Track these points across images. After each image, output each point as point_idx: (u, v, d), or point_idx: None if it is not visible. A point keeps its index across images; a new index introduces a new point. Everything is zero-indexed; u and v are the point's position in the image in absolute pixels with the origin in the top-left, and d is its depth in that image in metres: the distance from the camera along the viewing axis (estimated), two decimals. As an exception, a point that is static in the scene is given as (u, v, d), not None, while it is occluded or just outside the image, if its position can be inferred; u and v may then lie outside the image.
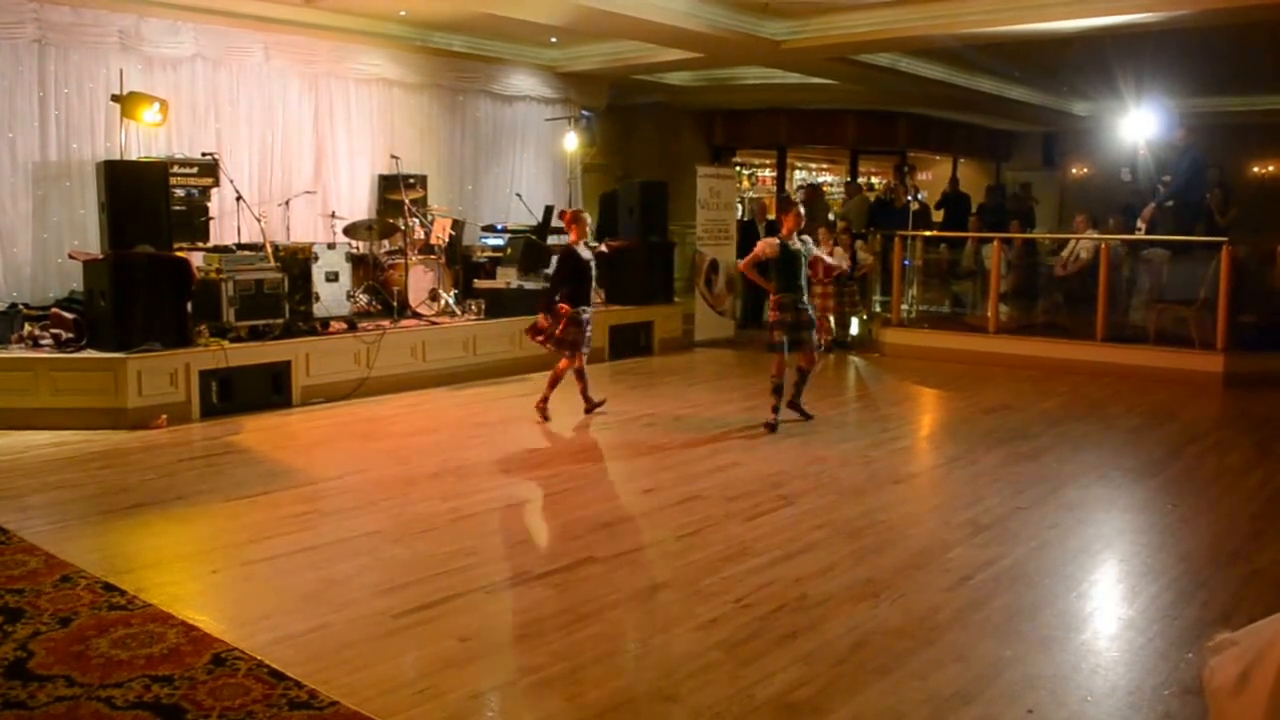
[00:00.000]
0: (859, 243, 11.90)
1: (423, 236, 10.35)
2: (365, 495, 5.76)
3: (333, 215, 10.47)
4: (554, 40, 12.41)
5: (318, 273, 8.73)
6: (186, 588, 4.35)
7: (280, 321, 8.34)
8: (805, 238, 7.56)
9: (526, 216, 11.86)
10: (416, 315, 9.68)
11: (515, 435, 7.39)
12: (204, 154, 9.59)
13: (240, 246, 9.14)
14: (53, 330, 7.82)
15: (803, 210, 7.69)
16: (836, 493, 5.88)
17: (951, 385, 9.61)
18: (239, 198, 9.29)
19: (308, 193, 10.58)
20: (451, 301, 10.10)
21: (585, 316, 7.67)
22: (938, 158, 19.87)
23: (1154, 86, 12.09)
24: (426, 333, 9.24)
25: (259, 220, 9.02)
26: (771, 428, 7.36)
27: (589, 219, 8.37)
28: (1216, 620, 4.03)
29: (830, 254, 11.43)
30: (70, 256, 8.69)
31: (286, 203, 10.12)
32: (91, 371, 7.36)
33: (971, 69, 13.79)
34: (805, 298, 7.45)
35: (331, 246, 9.10)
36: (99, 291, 7.65)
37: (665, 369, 10.51)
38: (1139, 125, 11.63)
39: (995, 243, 11.28)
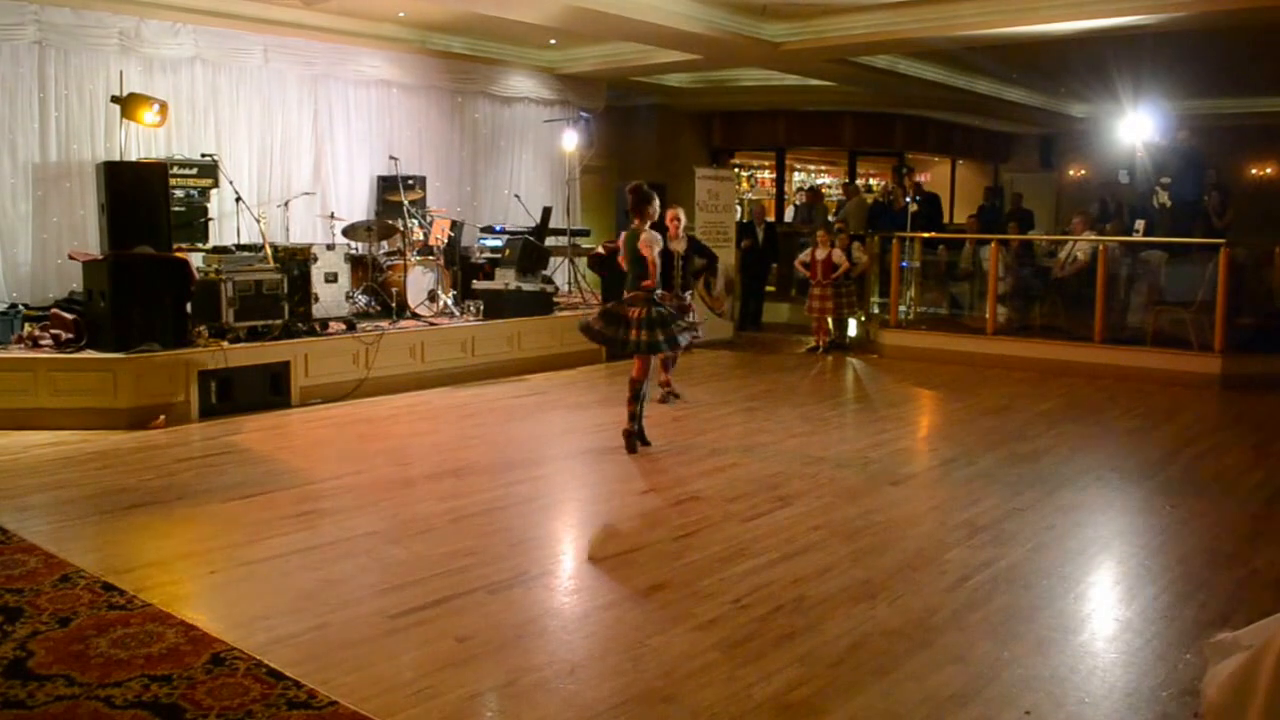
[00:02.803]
0: (855, 243, 11.91)
1: (421, 238, 10.36)
2: (363, 496, 5.76)
3: (332, 216, 10.47)
4: (553, 42, 12.42)
5: (317, 274, 8.74)
6: (185, 587, 4.36)
7: (279, 322, 8.35)
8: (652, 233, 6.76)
9: (525, 218, 11.88)
10: (415, 316, 9.69)
11: (513, 436, 7.39)
12: (203, 155, 9.61)
13: (239, 247, 9.15)
14: (52, 331, 7.83)
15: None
16: (834, 494, 5.89)
17: (949, 386, 9.62)
18: (238, 199, 9.30)
19: (307, 194, 10.60)
20: (450, 302, 10.11)
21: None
22: (935, 159, 19.90)
23: (1151, 88, 12.11)
24: (425, 334, 9.24)
25: (258, 221, 9.03)
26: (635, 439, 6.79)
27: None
28: (1214, 621, 4.04)
29: (830, 255, 11.47)
30: (70, 257, 8.70)
31: (286, 204, 10.13)
32: (91, 372, 7.36)
33: (969, 71, 13.81)
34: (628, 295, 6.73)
35: (330, 247, 9.11)
36: (98, 292, 7.65)
37: (664, 370, 10.50)
38: (1136, 127, 11.65)
39: (993, 244, 11.29)
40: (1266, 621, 2.50)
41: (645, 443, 6.87)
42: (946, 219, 17.75)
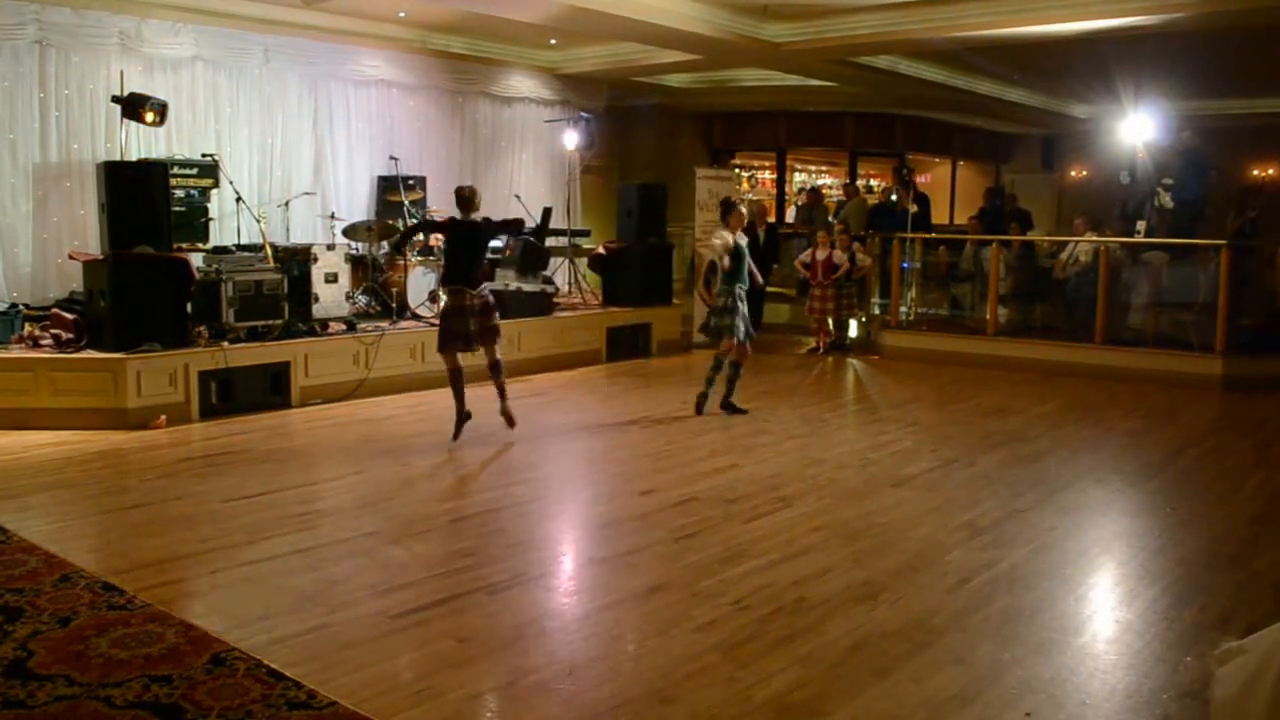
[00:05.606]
0: (857, 245, 11.90)
1: (421, 238, 10.35)
2: (363, 496, 5.76)
3: (332, 216, 10.48)
4: (553, 42, 12.42)
5: (317, 274, 8.73)
6: (185, 588, 4.36)
7: (279, 322, 8.34)
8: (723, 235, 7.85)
9: (525, 218, 11.84)
10: (415, 316, 9.68)
11: (512, 436, 7.38)
12: (204, 155, 9.60)
13: (240, 247, 9.14)
14: (53, 330, 7.83)
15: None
16: (834, 495, 5.88)
17: (950, 388, 9.62)
18: (239, 199, 9.30)
19: (307, 194, 10.59)
20: (450, 303, 10.09)
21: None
22: (936, 160, 19.89)
23: (1153, 89, 12.09)
24: (425, 334, 9.22)
25: (258, 221, 9.03)
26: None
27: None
28: (1214, 624, 4.04)
29: (830, 256, 11.46)
30: (70, 257, 8.70)
31: (286, 204, 10.13)
32: (91, 372, 7.37)
33: (970, 71, 13.79)
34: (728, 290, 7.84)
35: (331, 248, 9.10)
36: (99, 292, 7.65)
37: (663, 371, 10.51)
38: (1138, 128, 11.64)
39: (994, 245, 11.28)
40: (1271, 629, 2.50)
41: (737, 409, 8.01)
42: (947, 220, 17.77)
